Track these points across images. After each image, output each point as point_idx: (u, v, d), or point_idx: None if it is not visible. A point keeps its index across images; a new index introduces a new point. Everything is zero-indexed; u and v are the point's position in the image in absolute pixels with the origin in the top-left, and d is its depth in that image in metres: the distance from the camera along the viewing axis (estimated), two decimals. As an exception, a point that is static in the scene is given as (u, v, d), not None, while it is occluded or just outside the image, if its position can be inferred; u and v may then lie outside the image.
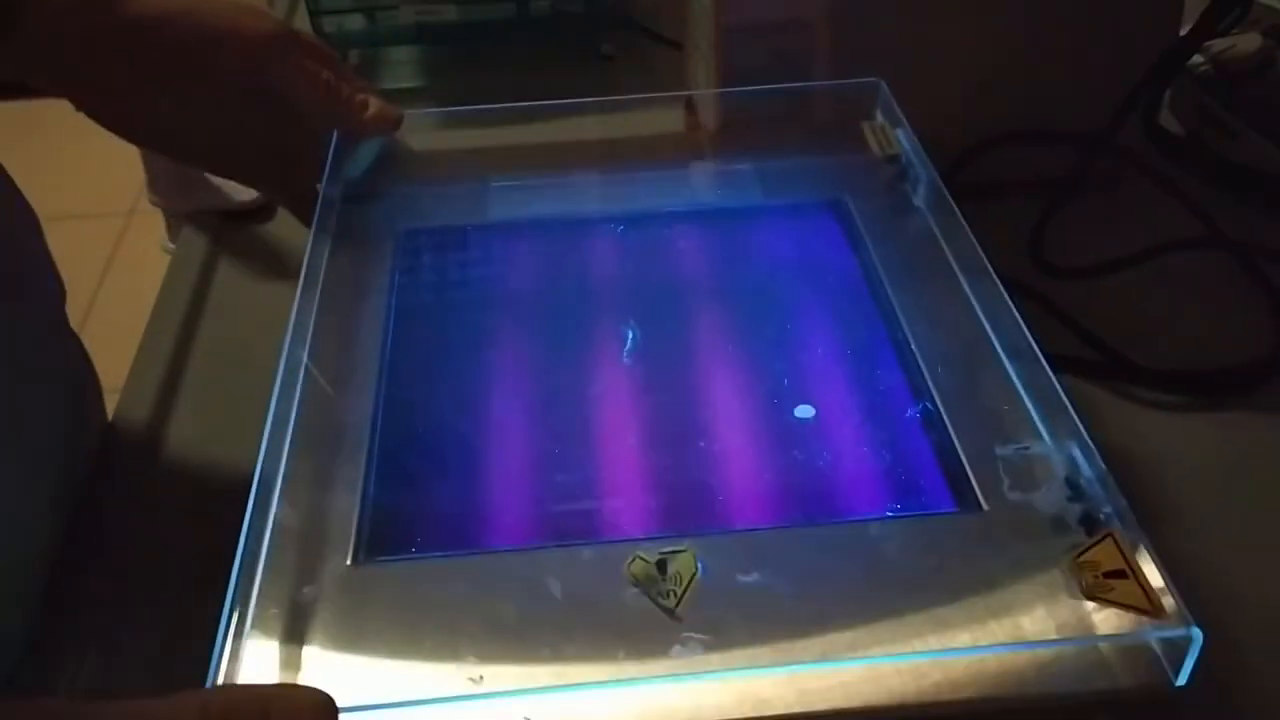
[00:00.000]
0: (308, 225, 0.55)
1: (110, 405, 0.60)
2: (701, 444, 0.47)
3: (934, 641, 0.38)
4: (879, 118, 0.62)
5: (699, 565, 0.40)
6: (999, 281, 0.50)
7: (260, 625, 0.39)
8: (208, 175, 0.69)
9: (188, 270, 0.68)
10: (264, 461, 0.43)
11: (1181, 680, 0.37)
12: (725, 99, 0.65)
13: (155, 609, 0.48)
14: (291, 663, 0.38)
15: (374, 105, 0.58)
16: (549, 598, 0.40)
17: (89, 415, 0.58)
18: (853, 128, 0.61)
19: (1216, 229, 0.62)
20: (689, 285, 0.57)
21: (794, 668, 0.38)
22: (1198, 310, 0.62)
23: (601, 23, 0.85)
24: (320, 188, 0.57)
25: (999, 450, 0.44)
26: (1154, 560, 0.38)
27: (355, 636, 0.39)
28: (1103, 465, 0.41)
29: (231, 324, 0.64)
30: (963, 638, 0.38)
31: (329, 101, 0.57)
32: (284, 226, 0.68)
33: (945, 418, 0.46)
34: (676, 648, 0.38)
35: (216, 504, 0.43)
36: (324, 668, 0.38)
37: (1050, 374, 0.45)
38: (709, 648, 0.38)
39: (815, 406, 0.49)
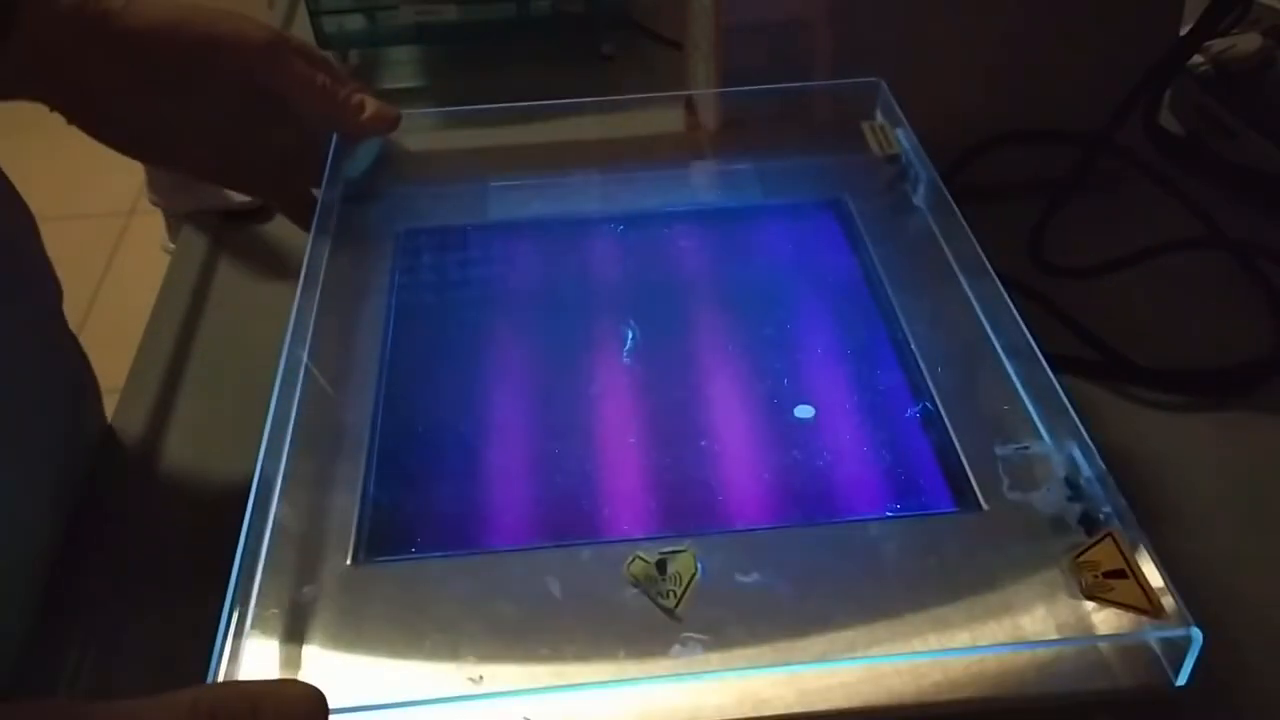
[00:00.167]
0: (306, 229, 0.55)
1: (110, 405, 0.60)
2: (701, 444, 0.47)
3: (934, 641, 0.38)
4: (879, 118, 0.62)
5: (699, 565, 0.40)
6: (999, 281, 0.50)
7: (260, 625, 0.39)
8: (205, 180, 0.69)
9: (188, 270, 0.68)
10: (264, 461, 0.43)
11: (1181, 680, 0.37)
12: (725, 99, 0.65)
13: (155, 609, 0.48)
14: (291, 663, 0.38)
15: (371, 106, 0.58)
16: (549, 598, 0.40)
17: (87, 415, 0.58)
18: (853, 128, 0.61)
19: (1216, 229, 0.62)
20: (689, 285, 0.57)
21: (794, 668, 0.38)
22: (1198, 310, 0.62)
23: (601, 23, 0.85)
24: (319, 190, 0.57)
25: (999, 450, 0.44)
26: (1154, 560, 0.38)
27: (355, 636, 0.39)
28: (1103, 465, 0.41)
29: (231, 324, 0.64)
30: (963, 638, 0.38)
31: (326, 105, 0.57)
32: (284, 226, 0.68)
33: (945, 418, 0.46)
34: (676, 648, 0.38)
35: (216, 504, 0.43)
36: (324, 668, 0.38)
37: (1050, 374, 0.45)
38: (709, 648, 0.38)
39: (815, 406, 0.49)
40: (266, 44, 0.54)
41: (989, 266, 0.51)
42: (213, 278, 0.68)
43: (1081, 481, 0.42)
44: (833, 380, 0.51)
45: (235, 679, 0.37)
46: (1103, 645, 0.38)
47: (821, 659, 0.38)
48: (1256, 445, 0.54)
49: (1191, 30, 0.63)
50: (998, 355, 0.48)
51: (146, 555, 0.51)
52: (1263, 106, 0.68)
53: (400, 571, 0.41)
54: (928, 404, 0.47)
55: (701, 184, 0.64)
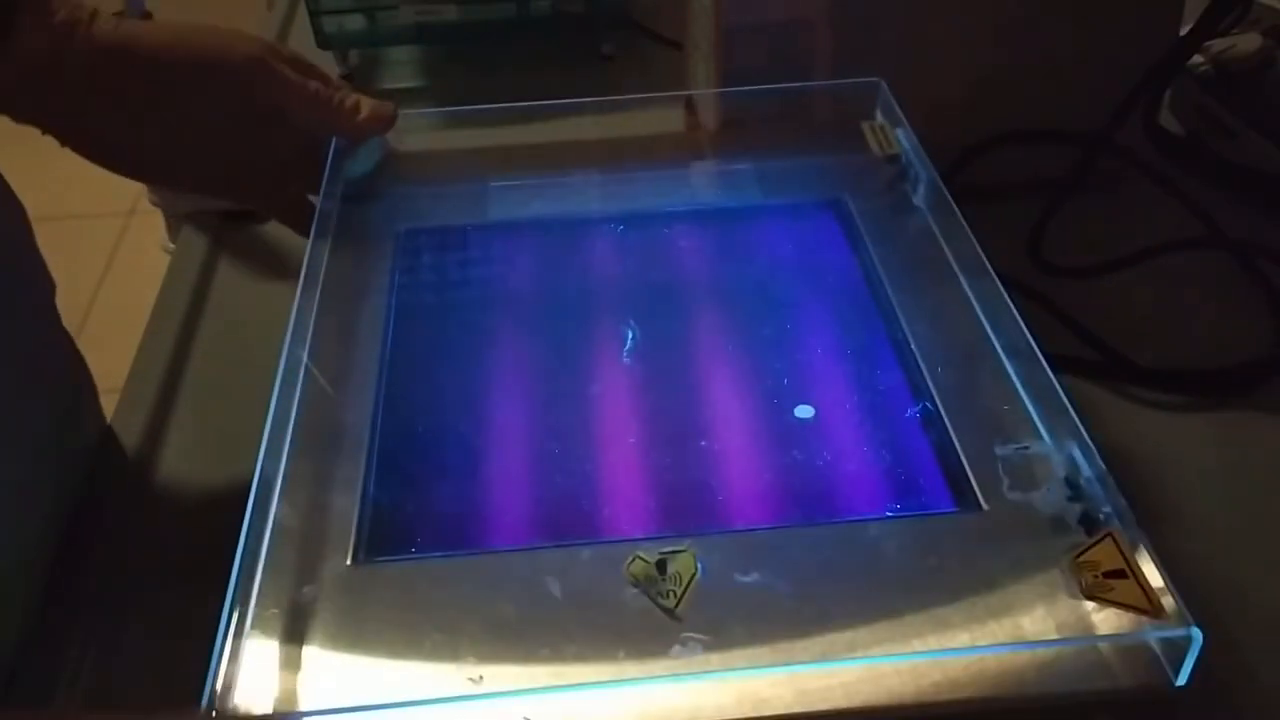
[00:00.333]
0: (304, 235, 0.55)
1: (110, 405, 0.60)
2: (701, 444, 0.47)
3: (934, 641, 0.38)
4: (879, 118, 0.62)
5: (699, 565, 0.40)
6: (999, 281, 0.50)
7: (260, 625, 0.39)
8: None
9: (188, 270, 0.68)
10: (264, 461, 0.43)
11: (1181, 680, 0.37)
12: (725, 99, 0.65)
13: (155, 609, 0.48)
14: (291, 663, 0.38)
15: (366, 106, 0.58)
16: (549, 598, 0.40)
17: (84, 412, 0.58)
18: (853, 128, 0.61)
19: (1216, 229, 0.62)
20: (689, 285, 0.57)
21: (793, 668, 0.38)
22: (1198, 310, 0.62)
23: (601, 23, 0.85)
24: (315, 197, 0.57)
25: (999, 450, 0.44)
26: (1154, 560, 0.38)
27: (355, 636, 0.39)
28: (1102, 465, 0.41)
29: (231, 324, 0.64)
30: (963, 638, 0.38)
31: (321, 111, 0.57)
32: (284, 226, 0.68)
33: (945, 418, 0.46)
34: (676, 648, 0.38)
35: (216, 504, 0.43)
36: (324, 668, 0.38)
37: (1050, 374, 0.45)
38: (709, 648, 0.38)
39: (815, 406, 0.49)
40: (256, 59, 0.54)
41: (989, 266, 0.51)
42: (213, 278, 0.68)
43: (1081, 481, 0.42)
44: (833, 380, 0.51)
45: (235, 679, 0.37)
46: (1103, 645, 0.38)
47: (821, 659, 0.38)
48: (1256, 445, 0.54)
49: (1191, 30, 0.63)
50: (998, 355, 0.48)
51: (146, 555, 0.51)
52: (1263, 106, 0.68)
53: (400, 571, 0.41)
54: (928, 404, 0.47)
55: (701, 184, 0.64)
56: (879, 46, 0.64)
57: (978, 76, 0.64)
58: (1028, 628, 0.38)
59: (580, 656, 0.38)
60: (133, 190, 2.03)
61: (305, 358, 0.49)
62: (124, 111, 0.52)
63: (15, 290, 0.52)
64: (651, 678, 0.38)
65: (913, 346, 0.49)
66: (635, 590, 0.39)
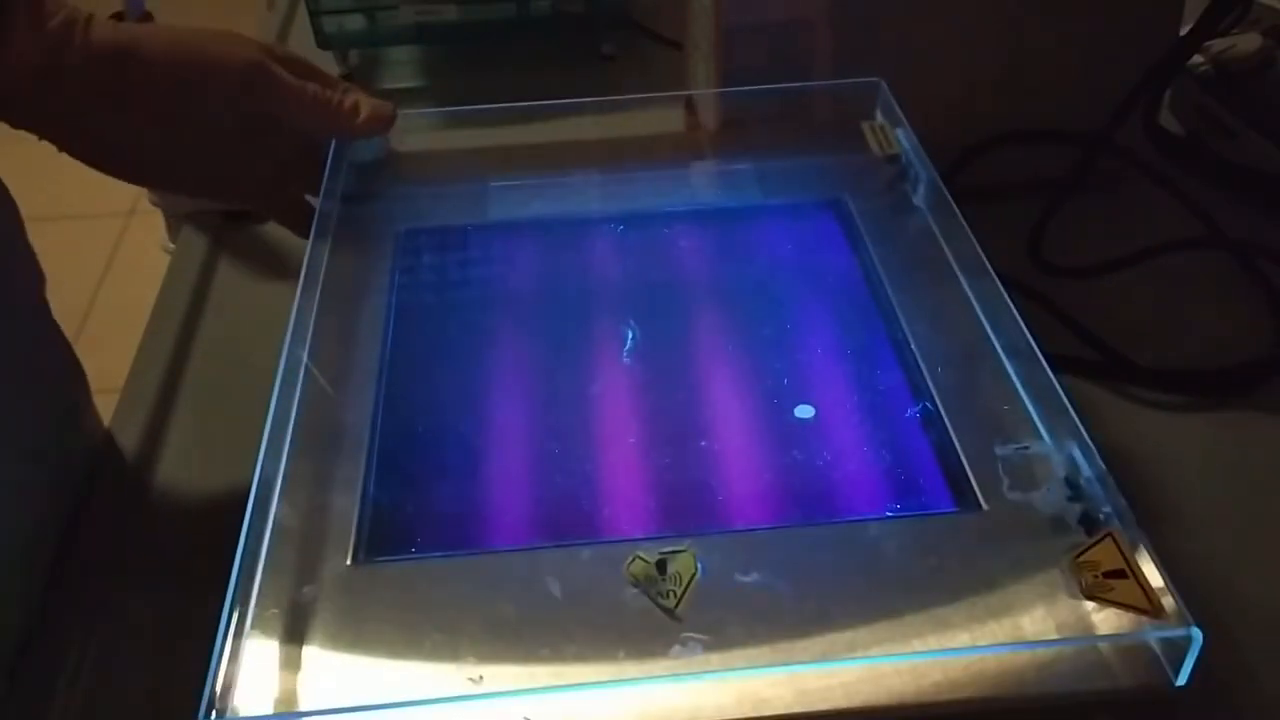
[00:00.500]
0: (303, 236, 0.55)
1: (110, 405, 0.60)
2: (701, 444, 0.47)
3: (934, 641, 0.38)
4: (879, 118, 0.62)
5: (699, 565, 0.40)
6: (999, 281, 0.50)
7: (260, 625, 0.39)
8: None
9: (188, 270, 0.68)
10: (264, 461, 0.43)
11: (1181, 680, 0.37)
12: (725, 99, 0.65)
13: (155, 609, 0.48)
14: (291, 662, 0.38)
15: (365, 106, 0.58)
16: (549, 598, 0.40)
17: (76, 403, 0.58)
18: (853, 128, 0.61)
19: (1216, 229, 0.62)
20: (689, 285, 0.57)
21: (793, 668, 0.38)
22: (1198, 310, 0.62)
23: (601, 23, 0.85)
24: (317, 198, 0.57)
25: (999, 450, 0.44)
26: (1154, 560, 0.38)
27: (355, 636, 0.39)
28: (1103, 465, 0.41)
29: (231, 324, 0.64)
30: (963, 638, 0.38)
31: (320, 115, 0.56)
32: (284, 226, 0.68)
33: (945, 418, 0.46)
34: (676, 648, 0.38)
35: (216, 504, 0.43)
36: (324, 668, 0.38)
37: (1050, 374, 0.45)
38: (709, 648, 0.38)
39: (815, 406, 0.49)
40: (254, 64, 0.54)
41: (989, 266, 0.51)
42: (213, 278, 0.68)
43: (1081, 481, 0.42)
44: (833, 380, 0.51)
45: (236, 679, 0.37)
46: (1103, 645, 0.38)
47: (821, 659, 0.38)
48: (1256, 445, 0.54)
49: (1191, 30, 0.63)
50: (998, 355, 0.48)
51: (146, 555, 0.51)
52: (1263, 106, 0.68)
53: (400, 571, 0.41)
54: (928, 404, 0.47)
55: (701, 184, 0.64)
56: (879, 46, 0.64)
57: (978, 76, 0.64)
58: (1028, 628, 0.38)
59: (580, 656, 0.38)
60: (133, 190, 2.02)
61: (305, 358, 0.49)
62: (121, 116, 0.52)
63: (9, 285, 0.52)
64: (651, 678, 0.38)
65: (913, 346, 0.50)
66: (635, 590, 0.39)
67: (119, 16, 0.74)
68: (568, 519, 0.45)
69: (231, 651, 0.37)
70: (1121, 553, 0.39)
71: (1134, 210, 0.66)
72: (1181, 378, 0.57)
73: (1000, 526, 0.42)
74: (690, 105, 0.70)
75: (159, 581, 0.50)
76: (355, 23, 0.83)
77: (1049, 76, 0.64)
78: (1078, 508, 0.42)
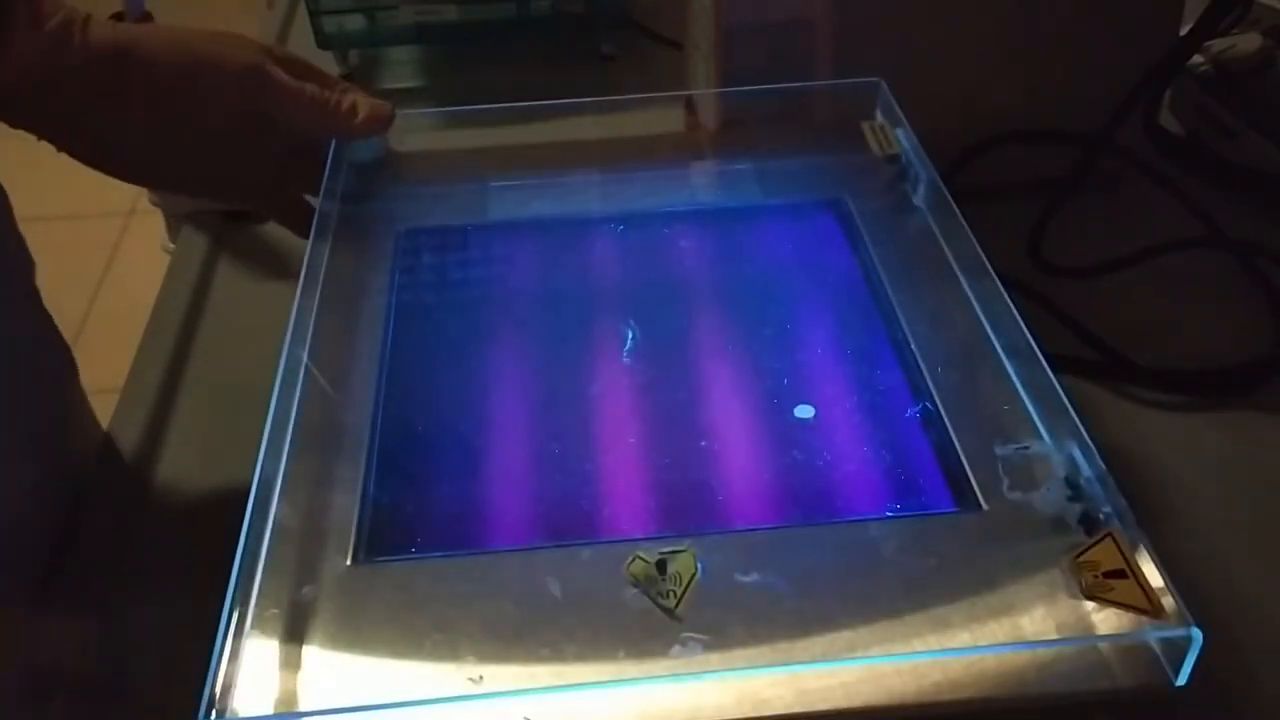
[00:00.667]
0: (303, 236, 0.55)
1: (110, 405, 0.60)
2: (701, 444, 0.47)
3: (934, 641, 0.38)
4: (879, 118, 0.62)
5: (699, 565, 0.40)
6: (999, 281, 0.50)
7: (260, 625, 0.39)
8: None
9: (188, 270, 0.68)
10: (264, 461, 0.43)
11: (1181, 680, 0.37)
12: (725, 99, 0.65)
13: (155, 609, 0.48)
14: (291, 662, 0.38)
15: (364, 107, 0.58)
16: (549, 598, 0.40)
17: (67, 388, 0.58)
18: (853, 128, 0.61)
19: (1216, 229, 0.62)
20: (689, 285, 0.57)
21: (794, 668, 0.38)
22: (1198, 310, 0.62)
23: (601, 23, 0.85)
24: (317, 198, 0.57)
25: (999, 450, 0.44)
26: (1154, 560, 0.38)
27: (355, 636, 0.39)
28: (1103, 465, 0.41)
29: (231, 324, 0.64)
30: (963, 638, 0.38)
31: (318, 116, 0.56)
32: (284, 226, 0.68)
33: (945, 418, 0.46)
34: (676, 648, 0.38)
35: (216, 504, 0.43)
36: (324, 668, 0.38)
37: (1050, 374, 0.45)
38: (709, 648, 0.38)
39: (815, 406, 0.49)
40: (252, 67, 0.54)
41: (989, 266, 0.51)
42: (213, 278, 0.68)
43: (1081, 481, 0.42)
44: (833, 380, 0.51)
45: (235, 679, 0.37)
46: (1103, 645, 0.38)
47: (821, 659, 0.38)
48: (1256, 445, 0.55)
49: (1191, 30, 0.63)
50: (998, 355, 0.48)
51: (146, 555, 0.51)
52: (1263, 106, 0.68)
53: (400, 571, 0.41)
54: (928, 404, 0.47)
55: (701, 184, 0.64)
56: (879, 46, 0.64)
57: (978, 76, 0.64)
58: (1028, 628, 0.38)
59: (580, 656, 0.38)
60: (133, 190, 2.02)
61: (305, 358, 0.49)
62: (120, 116, 0.52)
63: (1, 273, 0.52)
64: (651, 678, 0.38)
65: (913, 346, 0.49)
66: (635, 590, 0.39)
67: (119, 17, 0.74)
68: (568, 519, 0.45)
69: (231, 651, 0.37)
70: (1121, 553, 0.39)
71: (1134, 210, 0.66)
72: (1181, 378, 0.57)
73: (1000, 526, 0.42)
74: (690, 105, 0.70)
75: (159, 581, 0.50)
76: (355, 23, 0.83)
77: (1049, 76, 0.64)
78: (1078, 508, 0.42)
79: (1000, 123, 0.66)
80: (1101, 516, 0.41)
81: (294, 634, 0.39)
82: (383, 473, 0.45)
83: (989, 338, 0.49)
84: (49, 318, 0.58)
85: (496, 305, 0.56)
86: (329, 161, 0.58)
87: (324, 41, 0.83)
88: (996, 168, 0.66)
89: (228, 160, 0.57)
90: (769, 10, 0.63)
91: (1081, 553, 0.40)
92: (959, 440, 0.45)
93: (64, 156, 0.54)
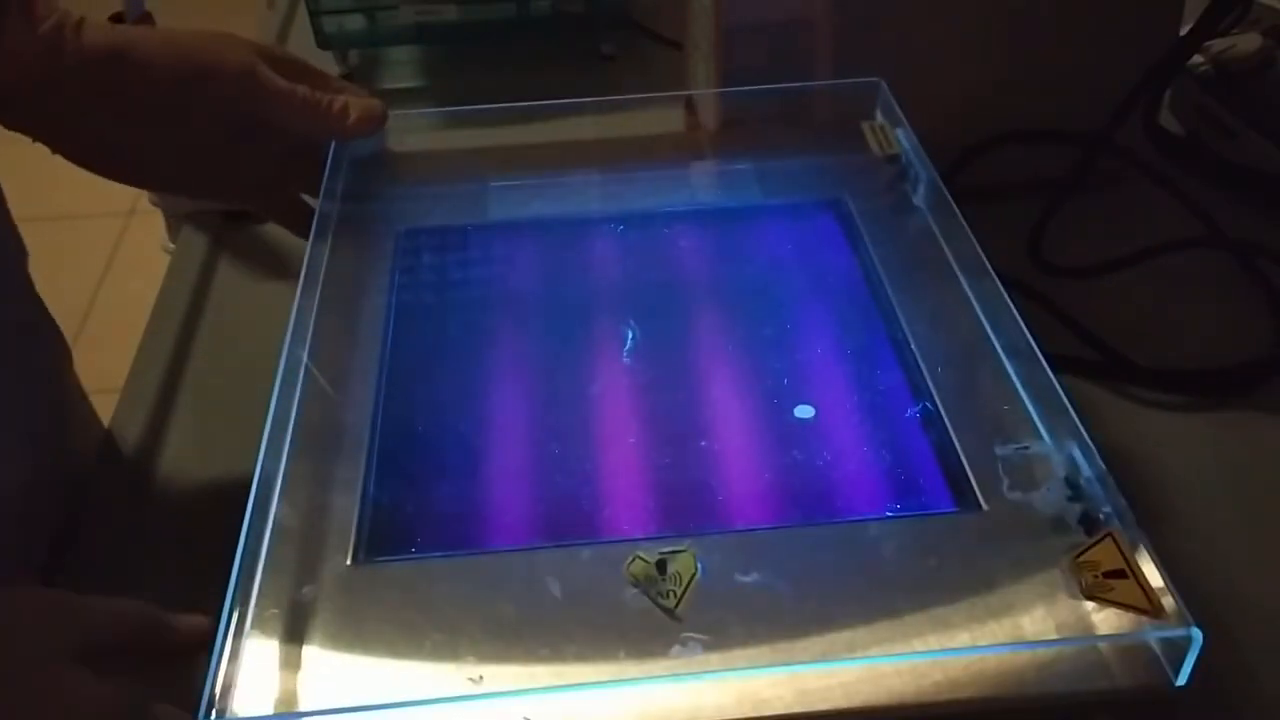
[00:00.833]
0: (302, 237, 0.55)
1: (110, 405, 0.60)
2: (701, 444, 0.47)
3: (934, 641, 0.38)
4: (879, 118, 0.62)
5: (699, 565, 0.40)
6: (999, 281, 0.50)
7: (260, 625, 0.39)
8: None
9: (188, 270, 0.68)
10: (264, 461, 0.43)
11: (1181, 680, 0.37)
12: (725, 99, 0.65)
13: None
14: (291, 662, 0.38)
15: (355, 108, 0.58)
16: (549, 598, 0.40)
17: (63, 374, 0.58)
18: (853, 128, 0.61)
19: (1216, 229, 0.62)
20: (689, 285, 0.57)
21: (794, 668, 0.38)
22: (1198, 310, 0.62)
23: (601, 23, 0.85)
24: (310, 197, 0.57)
25: (999, 450, 0.44)
26: (1154, 560, 0.38)
27: (355, 636, 0.39)
28: (1103, 465, 0.41)
29: (231, 324, 0.64)
30: (963, 638, 0.38)
31: (310, 118, 0.56)
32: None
33: (945, 418, 0.46)
34: (676, 648, 0.38)
35: (216, 504, 0.43)
36: (324, 667, 0.38)
37: (1050, 374, 0.45)
38: (709, 648, 0.38)
39: (815, 406, 0.49)
40: (245, 71, 0.54)
41: (989, 266, 0.51)
42: (213, 278, 0.68)
43: (1081, 481, 0.42)
44: (833, 380, 0.51)
45: (236, 679, 0.37)
46: (1103, 645, 0.38)
47: (821, 659, 0.38)
48: (1256, 445, 0.54)
49: (1191, 30, 0.63)
50: (998, 355, 0.48)
51: (147, 555, 0.51)
52: (1263, 106, 0.68)
53: (400, 571, 0.41)
54: (928, 404, 0.47)
55: (701, 184, 0.64)
56: (879, 46, 0.64)
57: (978, 76, 0.64)
58: (1028, 628, 0.38)
59: (580, 656, 0.38)
60: (133, 190, 2.02)
61: (305, 358, 0.49)
62: (113, 118, 0.52)
63: None
64: (651, 678, 0.38)
65: (913, 346, 0.50)
66: (635, 590, 0.39)
67: (119, 17, 0.74)
68: (568, 519, 0.45)
69: (231, 651, 0.37)
70: (1121, 553, 0.39)
71: (1134, 210, 0.66)
72: (1181, 378, 0.57)
73: (1000, 526, 0.42)
74: (690, 105, 0.70)
75: (159, 581, 0.50)
76: (355, 23, 0.83)
77: (1049, 76, 0.64)
78: (1078, 508, 0.42)
79: (1000, 123, 0.66)
80: (1101, 516, 0.41)
81: (294, 634, 0.39)
82: (383, 473, 0.45)
83: (989, 338, 0.49)
84: (43, 306, 0.58)
85: (496, 305, 0.56)
86: (329, 162, 0.58)
87: (324, 41, 0.83)
88: (996, 168, 0.66)
89: (223, 161, 0.57)
90: (769, 10, 0.63)
91: (1081, 553, 0.40)
92: (959, 440, 0.45)
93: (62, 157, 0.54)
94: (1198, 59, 0.71)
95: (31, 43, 0.49)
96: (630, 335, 0.52)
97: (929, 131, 0.59)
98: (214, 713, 0.36)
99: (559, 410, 0.50)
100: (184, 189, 0.63)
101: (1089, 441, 0.42)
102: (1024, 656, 0.38)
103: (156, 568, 0.50)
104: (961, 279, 0.52)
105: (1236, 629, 0.45)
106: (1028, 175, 0.66)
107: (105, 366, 0.62)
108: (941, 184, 0.56)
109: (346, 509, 0.43)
